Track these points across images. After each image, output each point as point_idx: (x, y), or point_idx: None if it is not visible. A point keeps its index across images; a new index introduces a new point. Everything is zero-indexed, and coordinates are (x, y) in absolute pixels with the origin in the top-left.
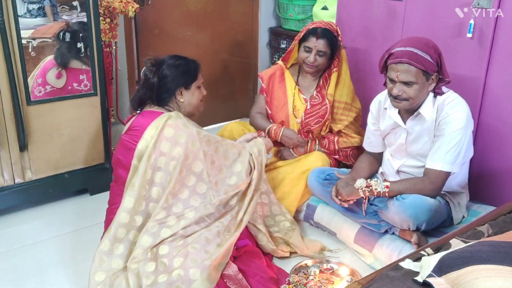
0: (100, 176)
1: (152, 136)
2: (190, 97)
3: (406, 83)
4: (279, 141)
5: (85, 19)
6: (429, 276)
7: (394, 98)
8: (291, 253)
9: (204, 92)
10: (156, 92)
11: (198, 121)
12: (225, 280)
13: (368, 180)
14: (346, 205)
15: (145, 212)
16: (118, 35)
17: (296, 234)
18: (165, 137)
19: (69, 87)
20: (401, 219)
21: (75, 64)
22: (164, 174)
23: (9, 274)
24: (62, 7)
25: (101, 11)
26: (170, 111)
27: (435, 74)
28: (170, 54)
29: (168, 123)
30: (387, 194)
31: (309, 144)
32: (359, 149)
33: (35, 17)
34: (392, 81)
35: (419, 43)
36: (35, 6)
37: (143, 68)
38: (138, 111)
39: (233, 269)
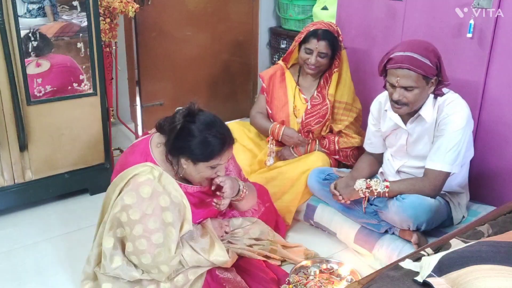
0: (100, 176)
1: (115, 188)
2: (193, 170)
3: (406, 88)
4: (280, 140)
5: (85, 19)
6: (429, 276)
7: (395, 102)
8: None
9: (220, 172)
10: (169, 138)
11: None
12: (224, 284)
13: (368, 180)
14: (344, 201)
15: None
16: (118, 35)
17: (280, 251)
18: (122, 199)
19: (69, 87)
20: (401, 219)
21: (75, 64)
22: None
23: (9, 274)
24: (62, 7)
25: (101, 11)
26: (172, 162)
27: (435, 77)
28: (212, 118)
29: (130, 187)
30: (387, 194)
31: (309, 144)
32: (359, 150)
33: (35, 17)
34: (392, 86)
35: (418, 47)
36: (35, 6)
37: (183, 108)
38: (146, 134)
39: (231, 272)
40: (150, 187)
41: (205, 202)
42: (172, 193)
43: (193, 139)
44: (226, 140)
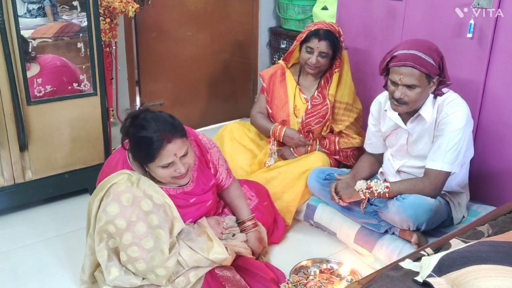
0: None
1: (95, 199)
2: (152, 172)
3: (408, 86)
4: (281, 141)
5: (85, 19)
6: (429, 276)
7: (396, 101)
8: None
9: (179, 169)
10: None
11: (198, 121)
12: (223, 283)
13: (368, 181)
14: (343, 204)
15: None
16: (118, 35)
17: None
18: (105, 211)
19: (69, 87)
20: (401, 219)
21: (74, 64)
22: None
23: (9, 274)
24: (62, 7)
25: (101, 11)
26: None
27: (437, 77)
28: (144, 114)
29: (111, 198)
30: (387, 195)
31: (310, 144)
32: (359, 150)
33: (35, 17)
34: (395, 84)
35: (421, 46)
36: (35, 6)
37: (128, 115)
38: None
39: (230, 270)
40: (130, 194)
41: (191, 203)
42: (153, 195)
43: (132, 142)
44: (160, 137)
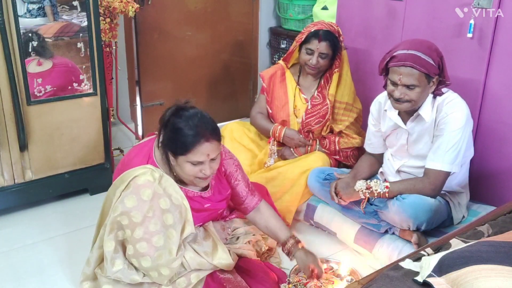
0: (100, 176)
1: (115, 191)
2: (177, 166)
3: (408, 86)
4: (281, 141)
5: (85, 19)
6: (429, 276)
7: (396, 100)
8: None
9: (205, 171)
10: (158, 133)
11: None
12: (224, 285)
13: (368, 181)
14: (343, 203)
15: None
16: (118, 35)
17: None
18: (122, 202)
19: (69, 87)
20: (401, 219)
21: (75, 64)
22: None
23: (9, 274)
24: (62, 7)
25: (101, 11)
26: (169, 160)
27: (436, 77)
28: (194, 113)
29: (131, 190)
30: (387, 195)
31: (310, 145)
32: (359, 150)
33: (35, 17)
34: (394, 84)
35: (421, 46)
36: (35, 6)
37: (175, 105)
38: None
39: (231, 272)
40: (151, 190)
41: (205, 208)
42: (172, 195)
43: (169, 132)
44: (201, 133)
